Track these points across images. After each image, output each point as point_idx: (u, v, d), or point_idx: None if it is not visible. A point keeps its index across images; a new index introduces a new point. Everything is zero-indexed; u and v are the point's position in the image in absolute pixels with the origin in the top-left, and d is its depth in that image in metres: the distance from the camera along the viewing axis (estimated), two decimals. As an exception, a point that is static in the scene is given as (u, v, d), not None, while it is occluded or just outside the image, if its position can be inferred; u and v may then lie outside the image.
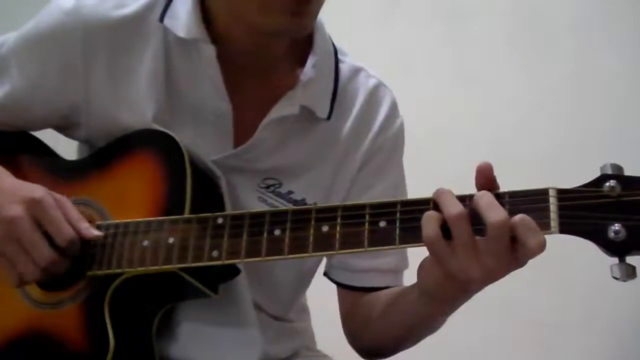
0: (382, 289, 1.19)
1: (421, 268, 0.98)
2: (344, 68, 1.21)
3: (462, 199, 0.89)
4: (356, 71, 1.22)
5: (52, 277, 1.03)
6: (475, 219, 0.87)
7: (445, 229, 0.88)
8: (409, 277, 1.17)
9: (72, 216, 1.04)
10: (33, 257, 1.01)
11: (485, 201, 0.86)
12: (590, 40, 2.37)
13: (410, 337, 1.13)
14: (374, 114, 1.21)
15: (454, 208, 0.87)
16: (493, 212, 0.85)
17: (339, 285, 1.23)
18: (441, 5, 2.56)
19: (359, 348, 1.22)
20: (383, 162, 1.21)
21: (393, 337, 1.15)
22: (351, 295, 1.22)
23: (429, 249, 0.90)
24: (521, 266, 0.89)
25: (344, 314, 1.24)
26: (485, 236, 0.86)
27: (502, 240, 0.85)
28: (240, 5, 1.06)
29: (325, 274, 1.25)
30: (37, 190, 1.04)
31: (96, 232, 1.04)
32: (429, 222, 0.88)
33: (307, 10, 1.05)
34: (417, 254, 0.95)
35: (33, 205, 1.02)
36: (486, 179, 0.90)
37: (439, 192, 0.90)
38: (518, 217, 0.84)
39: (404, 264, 1.23)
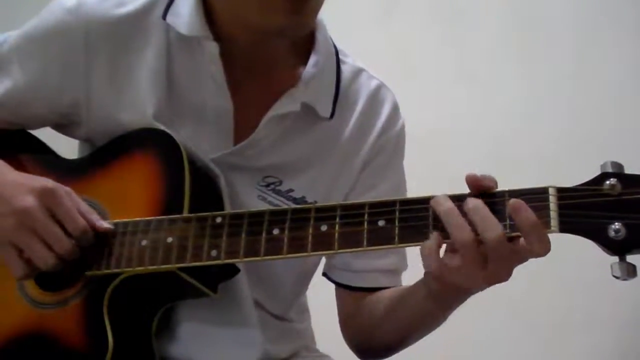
0: (381, 289, 1.20)
1: (427, 274, 0.98)
2: (345, 69, 1.21)
3: (458, 198, 0.89)
4: (358, 72, 1.23)
5: (66, 269, 1.03)
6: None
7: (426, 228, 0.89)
8: (408, 277, 1.17)
9: (83, 208, 1.04)
10: (51, 245, 1.01)
11: (480, 217, 0.87)
12: (590, 40, 2.37)
13: (414, 334, 1.14)
14: (376, 115, 1.22)
15: (464, 233, 0.87)
16: (489, 229, 0.86)
17: (339, 285, 1.23)
18: (441, 4, 2.56)
19: (361, 349, 1.22)
20: (384, 163, 1.21)
21: (398, 336, 1.15)
22: (352, 296, 1.22)
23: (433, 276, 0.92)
24: (523, 262, 0.90)
25: (344, 316, 1.24)
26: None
27: (502, 252, 0.87)
28: (240, 4, 1.06)
29: (324, 274, 1.25)
30: (47, 181, 1.05)
31: (106, 225, 1.05)
32: (430, 255, 0.89)
33: (306, 9, 1.05)
34: (416, 254, 0.94)
35: (45, 195, 1.02)
36: (476, 188, 0.90)
37: (445, 211, 0.89)
38: (530, 221, 0.85)
39: (403, 264, 1.23)
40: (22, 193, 1.03)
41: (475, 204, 0.88)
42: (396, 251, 1.21)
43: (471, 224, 0.87)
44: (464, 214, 0.88)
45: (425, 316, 1.08)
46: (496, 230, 0.86)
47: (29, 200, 1.02)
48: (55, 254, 1.01)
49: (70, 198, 1.04)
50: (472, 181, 0.90)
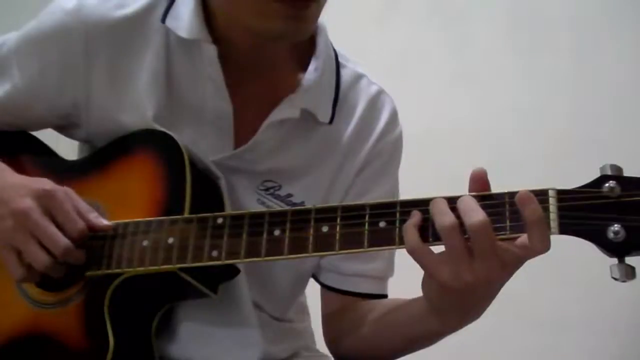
0: (367, 295, 1.20)
1: (422, 282, 0.98)
2: (345, 73, 1.21)
3: (456, 200, 0.89)
4: (358, 77, 1.23)
5: (68, 271, 1.03)
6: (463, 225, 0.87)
7: (429, 232, 0.88)
8: (398, 284, 1.17)
9: (81, 207, 1.05)
10: (48, 247, 1.01)
11: (465, 204, 0.87)
12: (590, 40, 2.37)
13: (407, 349, 1.14)
14: (375, 120, 1.22)
15: (445, 217, 0.87)
16: (472, 214, 0.86)
17: (326, 287, 1.23)
18: (440, 5, 2.56)
19: (336, 352, 1.22)
20: (380, 168, 1.21)
21: (383, 349, 1.15)
22: (337, 298, 1.22)
23: (415, 259, 0.90)
24: (519, 264, 0.89)
25: (326, 315, 1.24)
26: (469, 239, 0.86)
27: (486, 241, 0.86)
28: (238, 9, 1.06)
29: (312, 275, 1.25)
30: (45, 183, 1.05)
31: (105, 222, 1.05)
32: (408, 231, 0.89)
33: (305, 14, 1.04)
34: (407, 259, 0.94)
35: (43, 196, 1.02)
36: (482, 185, 0.90)
37: (432, 201, 0.90)
38: (538, 213, 0.84)
39: (390, 271, 1.24)
40: (21, 195, 1.03)
41: (463, 197, 0.88)
42: (384, 257, 1.21)
43: (458, 215, 0.87)
44: (453, 209, 0.88)
45: (425, 332, 1.07)
46: (478, 216, 0.85)
47: (27, 202, 1.02)
48: (51, 256, 1.01)
49: (69, 199, 1.04)
50: (480, 176, 0.90)
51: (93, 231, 1.04)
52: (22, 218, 1.02)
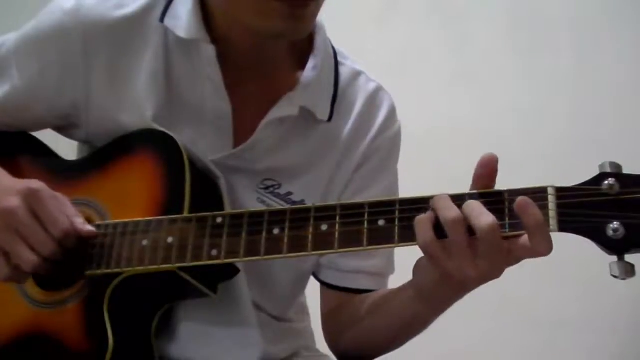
0: (366, 291, 1.20)
1: (417, 268, 0.99)
2: (344, 71, 1.21)
3: (458, 198, 0.89)
4: (356, 74, 1.23)
5: (49, 271, 1.03)
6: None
7: (439, 228, 0.88)
8: (398, 282, 1.17)
9: (69, 211, 1.04)
10: (34, 246, 1.00)
11: (473, 208, 0.87)
12: (590, 40, 2.37)
13: (400, 338, 1.14)
14: (373, 117, 1.22)
15: (450, 212, 0.88)
16: (482, 217, 0.86)
17: (325, 285, 1.23)
18: (440, 4, 2.56)
19: (337, 349, 1.22)
20: (378, 164, 1.21)
21: (381, 339, 1.15)
22: (336, 295, 1.22)
23: (424, 252, 0.91)
24: (518, 262, 0.89)
25: (326, 313, 1.25)
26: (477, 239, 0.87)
27: (494, 243, 0.86)
28: (237, 8, 1.06)
29: (312, 273, 1.25)
30: (33, 182, 1.05)
31: (90, 228, 1.04)
32: (422, 226, 0.89)
33: (304, 13, 1.04)
34: (406, 257, 0.95)
35: (29, 195, 1.02)
36: (489, 172, 0.90)
37: (435, 197, 0.90)
38: (537, 219, 0.85)
39: (390, 268, 1.24)
40: (8, 195, 1.03)
41: (469, 202, 0.88)
42: (384, 254, 1.21)
43: (465, 217, 0.87)
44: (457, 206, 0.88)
45: (412, 318, 1.08)
46: (488, 219, 0.86)
47: (14, 202, 1.01)
48: (38, 256, 1.01)
49: (56, 200, 1.03)
50: (490, 161, 0.90)
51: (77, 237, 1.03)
52: (8, 217, 1.01)
